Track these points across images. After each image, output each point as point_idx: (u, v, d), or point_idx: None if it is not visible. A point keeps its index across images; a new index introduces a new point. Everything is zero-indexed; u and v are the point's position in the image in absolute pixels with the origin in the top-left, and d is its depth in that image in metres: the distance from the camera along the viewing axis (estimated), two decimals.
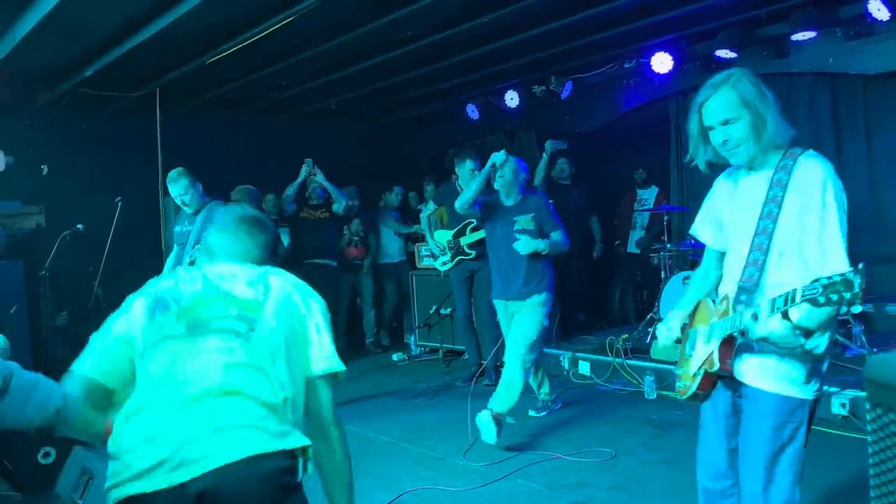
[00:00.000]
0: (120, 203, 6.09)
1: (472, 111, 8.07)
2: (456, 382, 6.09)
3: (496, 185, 4.77)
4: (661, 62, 6.31)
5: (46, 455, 4.11)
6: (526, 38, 5.71)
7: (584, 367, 6.04)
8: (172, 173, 4.89)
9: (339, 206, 7.18)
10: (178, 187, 4.84)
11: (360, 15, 4.94)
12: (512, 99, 7.59)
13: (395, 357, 7.38)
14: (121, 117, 6.91)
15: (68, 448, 3.93)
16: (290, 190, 7.07)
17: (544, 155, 7.09)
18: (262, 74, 6.23)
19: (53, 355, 5.50)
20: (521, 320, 4.66)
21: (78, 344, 2.00)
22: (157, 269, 5.40)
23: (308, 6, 4.39)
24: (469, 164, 5.80)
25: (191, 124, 7.16)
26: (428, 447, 4.51)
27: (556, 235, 4.72)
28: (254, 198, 6.62)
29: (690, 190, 7.36)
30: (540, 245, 4.61)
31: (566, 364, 6.17)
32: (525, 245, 4.60)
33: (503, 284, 4.81)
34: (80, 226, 5.86)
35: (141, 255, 6.12)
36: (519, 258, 4.67)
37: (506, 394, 4.38)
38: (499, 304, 4.93)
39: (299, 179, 7.06)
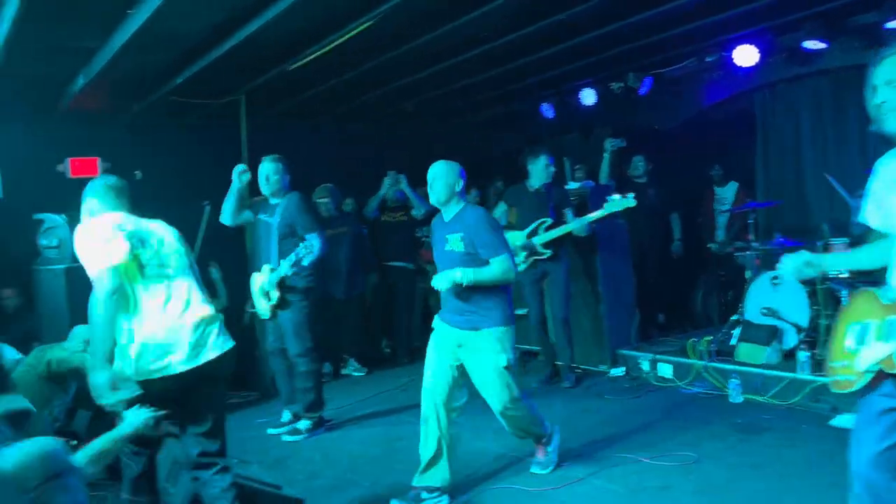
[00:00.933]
0: (208, 207, 6.31)
1: (548, 110, 8.00)
2: (532, 384, 6.04)
3: (432, 201, 3.94)
4: (745, 55, 6.12)
5: None
6: (603, 33, 5.63)
7: (666, 370, 5.89)
8: (272, 156, 5.15)
9: (418, 212, 7.28)
10: (272, 166, 5.08)
11: (435, 16, 4.98)
12: (588, 96, 7.49)
13: None
14: (207, 123, 7.18)
15: (160, 441, 4.12)
16: (373, 203, 7.27)
17: (605, 154, 6.97)
18: (341, 80, 6.35)
19: None
20: (479, 374, 3.80)
21: None
22: (242, 271, 5.59)
23: (385, 10, 4.46)
24: (543, 160, 5.78)
25: (273, 130, 7.35)
26: (506, 447, 4.50)
27: (496, 263, 3.70)
28: (335, 195, 7.01)
29: (776, 185, 7.10)
30: (457, 278, 3.65)
31: (646, 366, 6.05)
32: (442, 280, 3.73)
33: (446, 307, 3.95)
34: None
35: (227, 258, 6.33)
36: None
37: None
38: (439, 325, 3.98)
39: (381, 192, 7.23)
